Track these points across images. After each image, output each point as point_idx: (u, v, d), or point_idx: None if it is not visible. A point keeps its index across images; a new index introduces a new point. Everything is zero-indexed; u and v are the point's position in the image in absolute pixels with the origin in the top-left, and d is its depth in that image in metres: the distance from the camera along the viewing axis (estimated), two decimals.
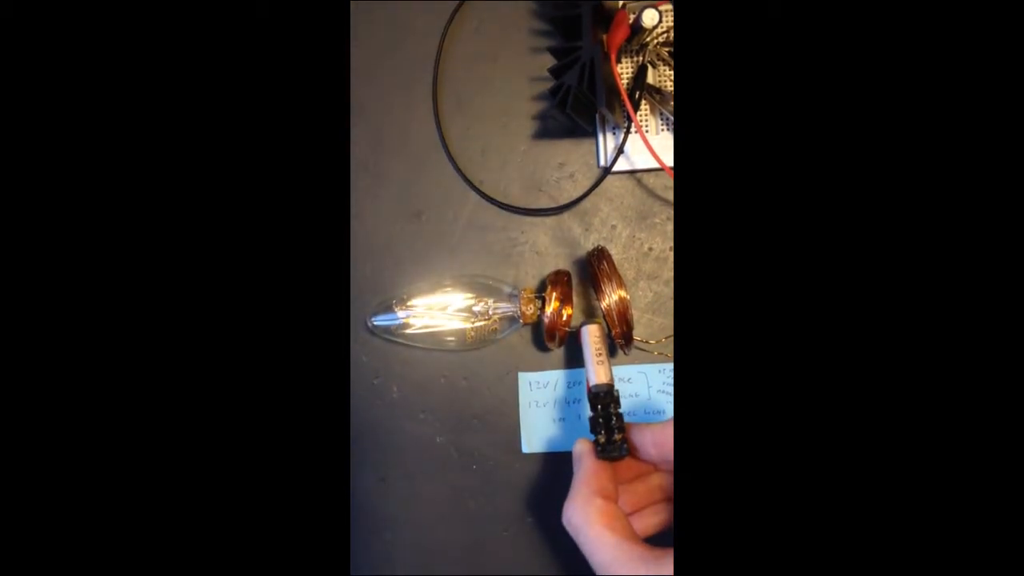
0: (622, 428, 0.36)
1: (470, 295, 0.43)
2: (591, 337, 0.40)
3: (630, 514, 0.35)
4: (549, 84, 0.40)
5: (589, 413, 0.38)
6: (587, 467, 0.35)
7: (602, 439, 0.36)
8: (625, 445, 0.36)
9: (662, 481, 0.37)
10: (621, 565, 0.30)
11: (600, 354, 0.39)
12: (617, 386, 0.39)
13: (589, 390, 0.38)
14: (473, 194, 0.45)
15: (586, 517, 0.32)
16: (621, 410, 0.37)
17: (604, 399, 0.37)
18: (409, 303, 0.44)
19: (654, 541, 0.34)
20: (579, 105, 0.39)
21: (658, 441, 0.35)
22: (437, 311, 0.43)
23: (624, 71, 0.44)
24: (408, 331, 0.43)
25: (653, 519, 0.36)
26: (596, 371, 0.38)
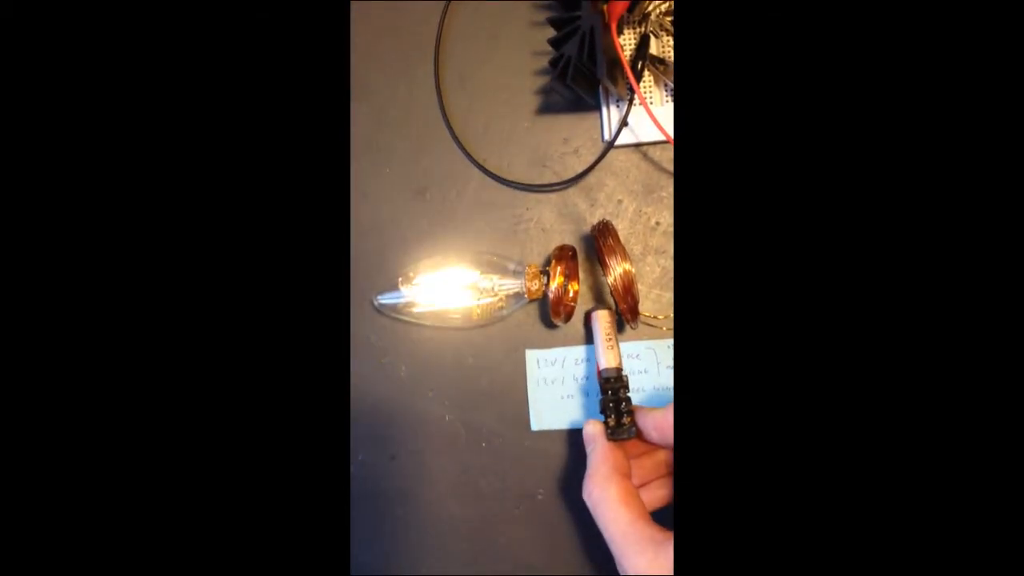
0: (630, 411, 0.38)
1: (475, 272, 0.43)
2: (601, 322, 0.41)
3: (639, 487, 0.37)
4: (551, 57, 0.39)
5: (600, 396, 0.39)
6: (603, 446, 0.37)
7: (612, 422, 0.38)
8: (633, 428, 0.38)
9: (667, 457, 0.38)
10: (631, 542, 0.32)
11: (610, 339, 0.40)
12: (625, 362, 0.41)
13: (599, 374, 0.40)
14: (477, 171, 0.45)
15: (605, 493, 0.34)
16: (630, 393, 0.39)
17: (614, 383, 0.39)
18: (414, 281, 0.43)
19: (660, 514, 0.36)
20: (580, 76, 0.38)
21: (659, 425, 0.37)
22: (442, 288, 0.43)
23: (627, 42, 0.43)
24: (414, 309, 0.43)
25: (659, 492, 0.38)
26: (606, 356, 0.40)
